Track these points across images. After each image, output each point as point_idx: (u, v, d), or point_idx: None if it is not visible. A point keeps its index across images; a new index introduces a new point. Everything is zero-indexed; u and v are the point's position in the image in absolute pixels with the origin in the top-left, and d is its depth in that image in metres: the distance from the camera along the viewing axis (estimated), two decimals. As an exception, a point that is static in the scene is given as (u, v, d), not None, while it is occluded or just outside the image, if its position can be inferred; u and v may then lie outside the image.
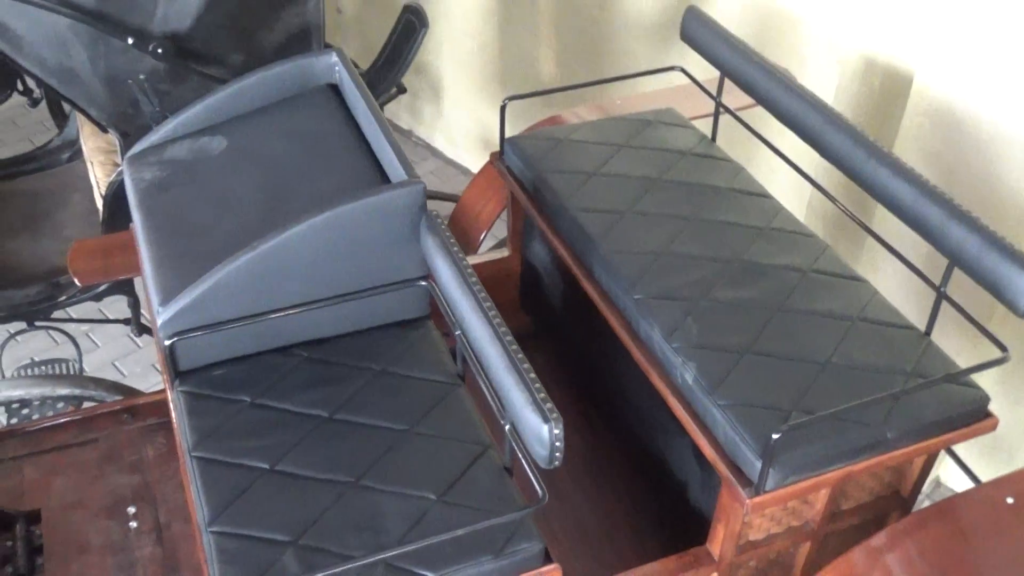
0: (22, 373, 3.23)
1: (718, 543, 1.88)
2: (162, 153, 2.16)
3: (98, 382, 2.75)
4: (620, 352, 2.07)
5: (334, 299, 1.90)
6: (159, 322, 1.81)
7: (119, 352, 3.73)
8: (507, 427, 1.68)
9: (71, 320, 3.34)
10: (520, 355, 1.56)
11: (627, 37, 3.67)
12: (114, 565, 2.12)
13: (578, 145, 2.42)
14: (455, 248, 1.77)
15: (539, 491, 1.59)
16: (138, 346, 3.75)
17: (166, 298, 1.82)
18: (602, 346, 2.32)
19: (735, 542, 1.86)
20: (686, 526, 2.07)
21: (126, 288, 3.25)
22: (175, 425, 1.89)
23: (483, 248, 2.90)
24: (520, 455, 1.63)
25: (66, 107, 3.70)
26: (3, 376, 3.29)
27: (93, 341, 3.75)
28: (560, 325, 2.60)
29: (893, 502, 2.03)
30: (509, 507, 1.67)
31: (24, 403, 2.69)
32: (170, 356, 1.84)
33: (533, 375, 1.53)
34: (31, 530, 2.18)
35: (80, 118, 3.55)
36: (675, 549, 1.94)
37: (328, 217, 1.82)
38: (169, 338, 1.82)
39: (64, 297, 3.17)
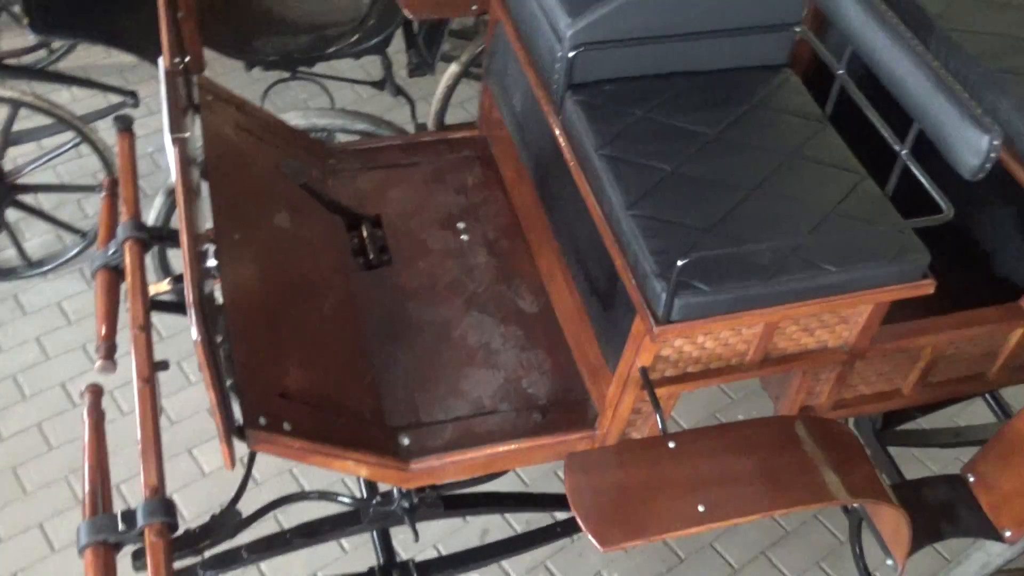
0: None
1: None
2: None
3: (389, 124, 2.93)
4: None
5: (723, 31, 2.04)
6: (568, 33, 1.96)
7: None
8: (903, 152, 1.84)
9: (327, 76, 3.51)
10: (949, 78, 1.71)
11: None
12: (456, 267, 2.34)
13: None
14: None
15: (943, 206, 1.76)
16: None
17: (575, 11, 1.97)
18: None
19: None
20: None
21: (382, 49, 3.40)
22: (557, 132, 2.06)
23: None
24: (918, 174, 1.80)
25: None
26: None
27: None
28: None
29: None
30: (895, 222, 1.84)
31: (327, 131, 2.88)
32: (569, 67, 2.00)
33: (965, 94, 1.69)
34: (374, 231, 2.39)
35: None
36: None
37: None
38: (575, 48, 1.97)
39: (331, 49, 3.33)
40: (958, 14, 2.26)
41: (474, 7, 2.61)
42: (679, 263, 1.62)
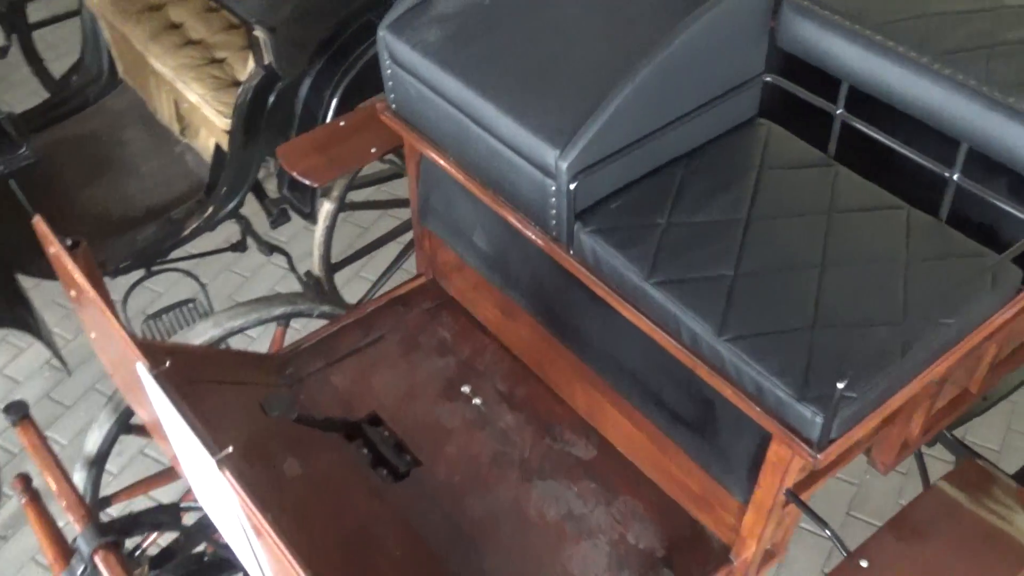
0: (155, 323, 3.02)
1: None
2: (430, 11, 2.03)
3: (305, 296, 2.60)
4: None
5: (702, 107, 1.88)
6: (563, 166, 1.74)
7: (233, 285, 3.51)
8: (954, 176, 1.75)
9: (184, 258, 3.09)
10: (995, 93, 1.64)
11: None
12: (487, 438, 2.08)
13: None
14: (847, 21, 1.80)
15: None
16: (243, 277, 3.51)
17: (556, 139, 1.75)
18: None
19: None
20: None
21: (236, 212, 3.04)
22: (571, 266, 1.85)
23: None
24: (984, 195, 1.71)
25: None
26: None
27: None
28: None
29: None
30: (971, 248, 1.75)
31: (242, 330, 2.52)
32: (572, 200, 1.79)
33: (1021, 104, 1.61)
34: (380, 433, 2.09)
35: (116, 50, 3.23)
36: None
37: (705, 20, 1.78)
38: (573, 180, 1.76)
39: (186, 231, 2.94)
40: (874, 9, 2.21)
41: (373, 150, 2.33)
42: (840, 385, 1.45)
